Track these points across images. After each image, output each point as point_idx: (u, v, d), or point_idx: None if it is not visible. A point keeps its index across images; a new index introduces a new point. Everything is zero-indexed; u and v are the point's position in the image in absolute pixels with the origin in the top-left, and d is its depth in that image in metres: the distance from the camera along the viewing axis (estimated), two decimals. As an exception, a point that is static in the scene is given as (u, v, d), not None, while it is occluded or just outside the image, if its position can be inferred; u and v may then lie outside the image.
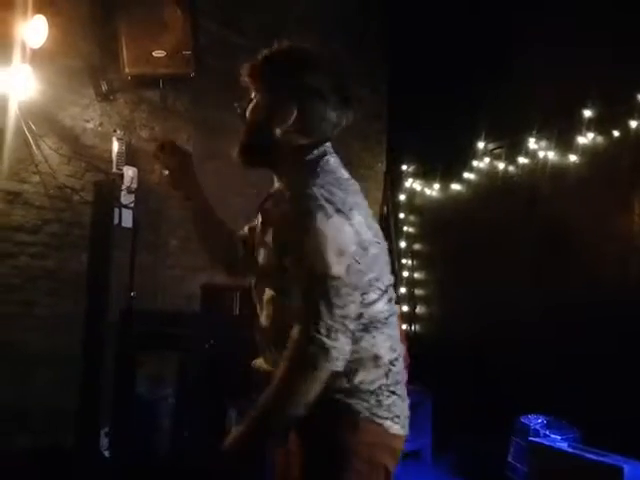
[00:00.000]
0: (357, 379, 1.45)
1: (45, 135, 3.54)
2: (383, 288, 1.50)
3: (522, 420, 3.72)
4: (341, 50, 5.03)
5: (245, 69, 1.53)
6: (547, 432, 3.59)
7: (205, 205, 1.77)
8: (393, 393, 1.50)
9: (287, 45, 1.53)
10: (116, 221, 3.70)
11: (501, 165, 4.65)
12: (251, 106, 1.55)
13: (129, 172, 3.79)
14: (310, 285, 1.36)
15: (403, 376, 1.57)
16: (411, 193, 5.40)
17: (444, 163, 5.00)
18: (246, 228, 1.78)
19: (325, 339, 1.33)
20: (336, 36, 5.03)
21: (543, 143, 4.33)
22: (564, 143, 4.19)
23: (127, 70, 3.69)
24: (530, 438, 3.57)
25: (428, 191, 5.24)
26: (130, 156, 3.84)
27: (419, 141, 5.17)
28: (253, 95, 1.55)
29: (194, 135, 4.22)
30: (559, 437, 3.53)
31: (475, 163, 4.83)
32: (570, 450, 3.32)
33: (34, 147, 3.48)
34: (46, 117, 3.54)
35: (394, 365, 1.51)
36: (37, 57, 3.39)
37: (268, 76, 1.51)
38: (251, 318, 1.63)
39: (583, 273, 3.98)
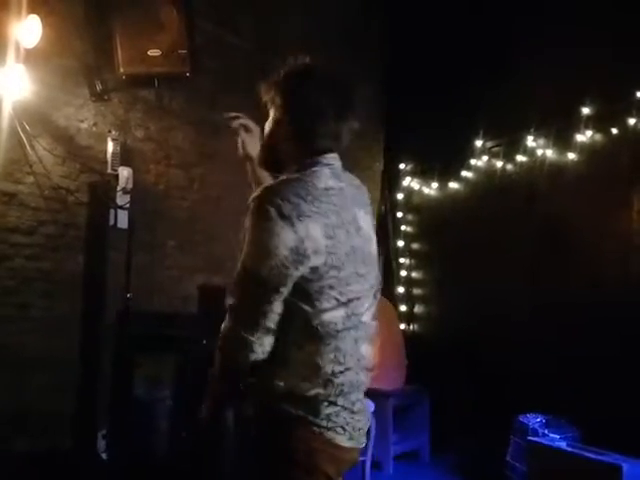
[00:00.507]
0: (292, 384, 1.47)
1: (39, 136, 3.51)
2: (342, 300, 1.50)
3: (521, 419, 3.72)
4: (339, 49, 5.02)
5: (264, 86, 1.66)
6: (546, 431, 3.59)
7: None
8: (334, 404, 1.49)
9: (304, 65, 1.65)
10: (112, 222, 3.69)
11: (499, 163, 4.64)
12: (268, 122, 1.67)
13: (124, 172, 3.77)
14: (238, 280, 1.50)
15: (356, 388, 1.55)
16: (409, 192, 5.39)
17: (442, 162, 4.98)
18: None
19: (242, 333, 1.46)
20: (334, 36, 5.02)
21: (541, 141, 4.32)
22: (562, 141, 4.18)
23: (122, 70, 3.67)
24: (529, 437, 3.57)
25: (426, 190, 5.23)
26: (125, 156, 3.82)
27: (417, 140, 5.16)
28: (270, 111, 1.66)
29: (190, 135, 4.20)
30: (558, 436, 3.53)
31: (473, 161, 4.81)
32: (569, 449, 3.32)
33: (28, 148, 3.46)
34: (40, 117, 3.52)
35: (336, 377, 1.50)
36: (31, 57, 3.37)
37: (285, 94, 1.61)
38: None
39: (582, 271, 3.97)
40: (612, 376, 3.57)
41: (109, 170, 3.74)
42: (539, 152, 4.34)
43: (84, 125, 3.73)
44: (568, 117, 4.08)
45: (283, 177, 1.57)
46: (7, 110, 3.34)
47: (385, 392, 4.02)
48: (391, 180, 5.47)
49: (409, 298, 5.28)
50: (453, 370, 4.47)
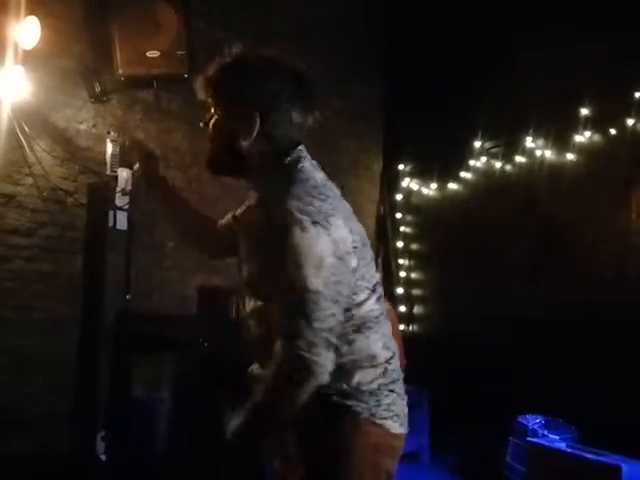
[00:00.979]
0: (355, 380, 1.46)
1: (38, 137, 3.51)
2: (370, 287, 1.50)
3: (520, 420, 3.72)
4: (337, 49, 5.02)
5: (199, 83, 1.52)
6: (545, 432, 3.59)
7: (174, 196, 1.87)
8: (392, 392, 1.50)
9: (240, 52, 1.50)
10: (111, 223, 3.67)
11: (498, 164, 4.64)
12: (213, 121, 1.53)
13: (123, 174, 3.75)
14: (290, 300, 1.37)
15: (400, 374, 1.57)
16: (408, 193, 5.39)
17: (441, 162, 4.99)
18: (229, 215, 1.78)
19: (307, 354, 1.34)
20: (332, 35, 5.02)
21: (540, 142, 4.32)
22: (561, 142, 4.19)
23: (120, 71, 3.66)
24: (528, 438, 3.57)
25: (425, 190, 5.23)
26: (124, 158, 3.81)
27: (416, 140, 5.17)
28: (212, 109, 1.53)
29: (188, 136, 4.20)
30: (557, 437, 3.53)
31: (472, 162, 4.82)
32: (568, 450, 3.33)
33: (27, 149, 3.45)
34: (39, 119, 3.51)
35: (390, 363, 1.51)
36: (30, 58, 3.36)
37: (225, 87, 1.49)
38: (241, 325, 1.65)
39: (580, 271, 3.98)
40: (612, 376, 3.57)
41: (108, 171, 3.73)
42: (538, 153, 4.34)
43: (83, 126, 3.72)
44: (566, 118, 4.08)
45: (274, 179, 1.46)
46: (6, 111, 3.34)
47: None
48: (390, 181, 5.47)
49: (408, 299, 5.28)
50: (453, 371, 4.47)
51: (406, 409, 1.56)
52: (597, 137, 4.03)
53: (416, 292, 5.29)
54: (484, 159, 4.76)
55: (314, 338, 1.34)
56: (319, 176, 1.50)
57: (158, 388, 3.50)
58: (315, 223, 1.36)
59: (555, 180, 4.24)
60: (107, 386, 3.45)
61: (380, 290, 1.55)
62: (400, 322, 5.09)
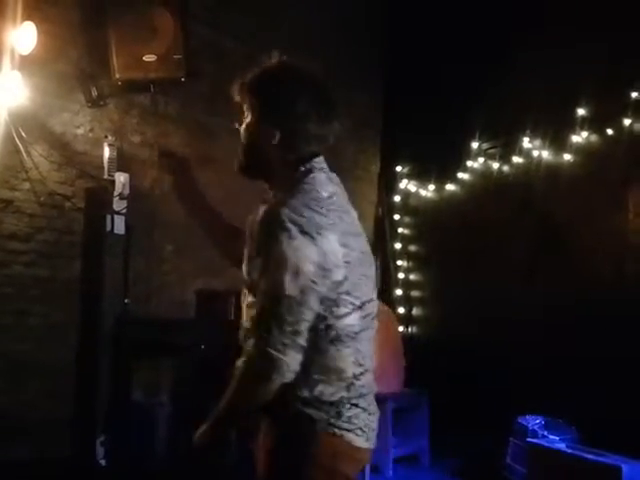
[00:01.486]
0: (317, 390, 1.48)
1: (35, 142, 3.51)
2: (357, 303, 1.51)
3: (520, 421, 3.72)
4: (336, 52, 5.03)
5: (236, 88, 1.61)
6: (545, 433, 3.59)
7: (207, 205, 1.93)
8: (355, 406, 1.51)
9: (271, 66, 1.59)
10: (108, 228, 3.67)
11: (495, 165, 4.65)
12: (244, 124, 1.62)
13: (121, 178, 3.76)
14: (265, 302, 1.44)
15: (371, 390, 1.58)
16: (406, 194, 5.39)
17: (439, 164, 4.99)
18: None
19: (274, 352, 1.40)
20: (332, 38, 5.02)
21: (537, 142, 4.33)
22: (558, 142, 4.19)
23: (117, 75, 3.66)
24: (528, 439, 3.56)
25: (423, 192, 5.23)
26: (121, 162, 3.81)
27: (413, 142, 5.17)
28: (245, 112, 1.61)
29: (185, 139, 4.20)
30: (557, 437, 3.53)
31: (470, 163, 4.82)
32: (568, 450, 3.32)
33: (24, 154, 3.45)
34: (36, 124, 3.51)
35: (358, 379, 1.52)
36: (26, 63, 3.36)
37: (257, 95, 1.58)
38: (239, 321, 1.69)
39: (578, 272, 3.98)
40: (611, 377, 3.57)
41: (105, 176, 3.73)
42: (535, 153, 4.35)
43: (80, 131, 3.72)
44: (564, 118, 4.09)
45: (288, 185, 1.52)
46: (3, 117, 3.34)
47: (384, 395, 4.01)
48: (388, 182, 5.47)
49: (407, 300, 5.27)
50: (452, 372, 4.47)
51: (374, 424, 1.57)
52: (594, 137, 4.04)
53: (415, 294, 5.29)
54: (482, 160, 4.76)
55: (284, 339, 1.40)
56: (328, 189, 1.53)
57: (157, 392, 3.50)
58: (304, 233, 1.42)
59: (552, 180, 4.24)
60: (106, 391, 3.45)
61: (369, 309, 1.56)
62: (399, 324, 5.10)
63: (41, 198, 3.53)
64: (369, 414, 1.55)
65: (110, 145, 3.77)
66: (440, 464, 4.35)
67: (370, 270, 1.59)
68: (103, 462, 3.43)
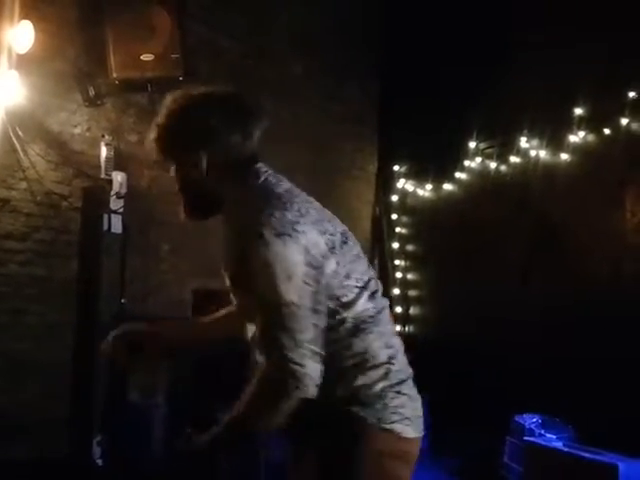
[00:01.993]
0: (357, 385, 1.41)
1: (32, 141, 3.50)
2: (360, 284, 1.45)
3: (517, 420, 3.72)
4: (333, 52, 5.03)
5: (149, 146, 1.56)
6: (542, 431, 3.59)
7: (198, 334, 1.82)
8: (399, 393, 1.43)
9: (167, 106, 1.53)
10: (105, 227, 3.67)
11: (493, 164, 4.65)
12: (173, 174, 1.56)
13: (118, 177, 3.76)
14: (266, 316, 1.35)
15: (408, 373, 1.51)
16: (403, 194, 5.39)
17: (436, 163, 4.99)
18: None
19: (294, 366, 1.30)
20: (328, 37, 5.02)
21: (534, 142, 4.33)
22: (555, 142, 4.19)
23: (115, 74, 3.66)
24: (525, 438, 3.57)
25: (420, 191, 5.23)
26: (119, 161, 3.81)
27: (411, 141, 5.17)
28: (169, 166, 1.56)
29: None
30: (554, 436, 3.53)
31: (467, 163, 4.82)
32: (565, 449, 3.33)
33: (21, 153, 3.45)
34: (33, 123, 3.51)
35: (392, 363, 1.45)
36: (23, 62, 3.36)
37: (165, 142, 1.53)
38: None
39: (576, 271, 3.98)
40: (607, 376, 3.57)
41: (103, 175, 3.73)
42: (532, 153, 4.35)
43: (77, 130, 3.72)
44: (561, 118, 4.09)
45: (241, 201, 1.46)
46: (0, 116, 3.33)
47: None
48: (385, 182, 5.47)
49: (405, 300, 5.27)
50: (449, 371, 4.47)
51: (419, 411, 1.48)
52: (591, 137, 4.04)
53: (412, 293, 5.29)
54: (479, 160, 4.76)
55: (298, 349, 1.31)
56: (283, 186, 1.48)
57: (153, 393, 3.49)
58: (279, 235, 1.34)
59: (550, 180, 4.24)
60: (103, 391, 3.44)
61: (374, 286, 1.49)
62: (396, 323, 5.10)
63: (38, 197, 3.53)
64: (413, 400, 1.47)
65: (107, 144, 3.77)
66: (437, 463, 4.35)
67: (357, 249, 1.52)
68: (100, 462, 3.43)
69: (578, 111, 4.02)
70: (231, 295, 1.62)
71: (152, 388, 3.47)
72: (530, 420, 3.66)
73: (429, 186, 5.13)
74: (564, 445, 3.38)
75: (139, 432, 3.37)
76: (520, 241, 4.34)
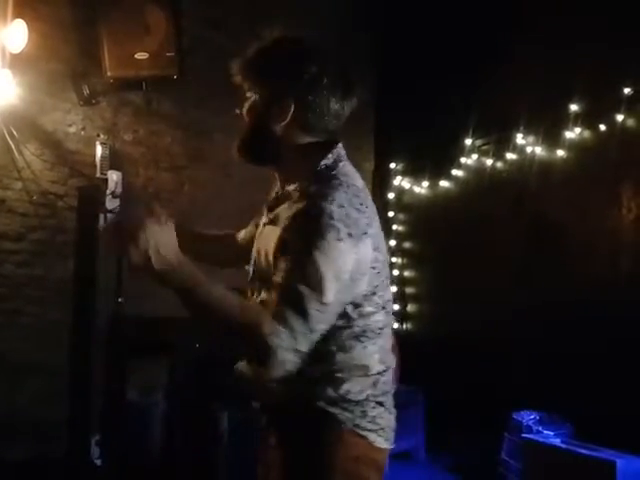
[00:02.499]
0: (344, 388, 1.42)
1: (27, 141, 3.50)
2: (381, 303, 1.45)
3: (515, 417, 3.72)
4: (329, 48, 5.01)
5: (237, 66, 1.43)
6: (540, 428, 3.59)
7: (204, 240, 1.81)
8: (380, 404, 1.46)
9: (278, 36, 1.43)
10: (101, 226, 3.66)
11: (489, 161, 4.65)
12: (247, 106, 1.45)
13: (113, 176, 3.75)
14: (298, 297, 1.28)
15: (391, 387, 1.53)
16: (400, 191, 5.39)
17: (432, 160, 4.99)
18: (251, 226, 1.72)
19: (278, 350, 1.27)
20: (325, 36, 4.99)
21: (530, 138, 4.33)
22: (551, 138, 4.19)
23: (109, 73, 3.65)
24: (523, 434, 3.57)
25: (417, 189, 5.23)
26: (114, 160, 3.80)
27: (407, 139, 5.17)
28: (248, 94, 1.45)
29: (178, 137, 4.19)
30: (552, 433, 3.53)
31: (463, 160, 4.82)
32: (563, 446, 3.33)
33: (16, 153, 3.44)
34: (28, 122, 3.50)
35: (382, 375, 1.47)
36: (17, 62, 3.35)
37: (262, 71, 1.41)
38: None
39: (572, 269, 3.98)
40: (605, 373, 3.58)
41: (98, 174, 3.73)
42: (528, 149, 4.35)
43: (72, 129, 3.71)
44: (557, 114, 4.09)
45: (315, 175, 1.38)
46: (-6, 116, 3.33)
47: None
48: (382, 179, 5.46)
49: (402, 297, 5.28)
50: (447, 369, 4.47)
51: (393, 424, 1.51)
52: (587, 133, 4.04)
53: (409, 290, 5.29)
54: (475, 157, 4.76)
55: (295, 342, 1.28)
56: (360, 182, 1.44)
57: (152, 391, 3.48)
58: (350, 235, 1.30)
59: (546, 177, 4.24)
60: (100, 390, 3.44)
61: (390, 307, 1.49)
62: (394, 321, 5.10)
63: (33, 197, 3.52)
64: (390, 413, 1.50)
65: (102, 143, 3.77)
66: (436, 460, 4.36)
67: (387, 270, 1.50)
68: (98, 462, 3.42)
69: (574, 107, 4.02)
70: (251, 291, 1.53)
71: (150, 386, 3.47)
72: (528, 417, 3.66)
73: (426, 183, 5.13)
74: (562, 442, 3.38)
75: (138, 431, 3.37)
76: (517, 238, 4.34)
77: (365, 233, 1.34)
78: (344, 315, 1.39)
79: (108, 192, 3.70)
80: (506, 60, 4.42)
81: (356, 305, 1.39)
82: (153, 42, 3.72)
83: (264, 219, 1.54)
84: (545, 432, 3.54)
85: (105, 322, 3.52)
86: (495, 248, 4.45)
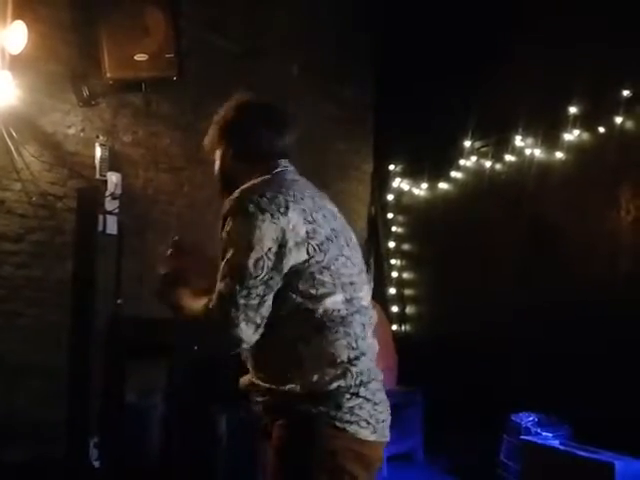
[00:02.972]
0: (311, 381, 1.43)
1: (26, 142, 3.49)
2: (336, 283, 1.48)
3: (513, 418, 3.72)
4: (328, 52, 5.02)
5: (208, 138, 1.75)
6: (538, 430, 3.60)
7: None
8: (356, 395, 1.45)
9: (230, 106, 1.72)
10: (100, 228, 3.66)
11: (488, 163, 4.66)
12: (217, 158, 1.74)
13: (113, 178, 3.75)
14: (222, 270, 1.46)
15: (373, 376, 1.51)
16: (399, 193, 5.39)
17: (431, 162, 4.99)
18: None
19: (229, 318, 1.42)
20: (323, 38, 5.02)
21: (529, 140, 4.34)
22: (550, 140, 4.20)
23: (109, 74, 3.65)
24: (522, 436, 3.58)
25: (416, 191, 5.24)
26: (113, 162, 3.80)
27: (406, 141, 5.17)
28: (216, 151, 1.74)
29: (178, 139, 4.18)
30: (551, 434, 3.54)
31: (462, 162, 4.83)
32: (562, 447, 3.34)
33: (15, 154, 3.43)
34: (27, 124, 3.49)
35: (353, 365, 1.46)
36: (17, 63, 3.35)
37: (222, 134, 1.72)
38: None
39: (571, 271, 3.99)
40: (604, 375, 3.58)
41: (97, 176, 3.72)
42: (527, 151, 4.36)
43: (71, 131, 3.70)
44: (556, 116, 4.10)
45: (252, 180, 1.59)
46: (-7, 117, 3.32)
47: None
48: (381, 181, 5.47)
49: (401, 299, 5.28)
50: (445, 370, 4.47)
51: (382, 415, 1.50)
52: (586, 135, 4.05)
53: (408, 292, 5.29)
54: (474, 158, 4.77)
55: (234, 310, 1.42)
56: (293, 177, 1.62)
57: (150, 393, 3.48)
58: (263, 210, 1.45)
59: (544, 179, 4.25)
60: (99, 392, 3.43)
61: (357, 293, 1.52)
62: (392, 322, 5.10)
63: (32, 198, 3.51)
64: (374, 404, 1.48)
65: (102, 145, 3.76)
66: (434, 462, 4.36)
67: (351, 252, 1.57)
68: (97, 463, 3.42)
69: (573, 109, 4.03)
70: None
71: (149, 388, 3.47)
72: (527, 419, 3.67)
73: (424, 185, 5.13)
74: (561, 444, 3.39)
75: (137, 433, 3.37)
76: (515, 239, 4.34)
77: (286, 207, 1.47)
78: (298, 304, 1.46)
79: (107, 193, 3.70)
80: (505, 61, 4.43)
81: (306, 289, 1.45)
82: (152, 44, 3.72)
83: None
84: (544, 434, 3.55)
85: (104, 324, 3.52)
86: (494, 249, 4.46)
